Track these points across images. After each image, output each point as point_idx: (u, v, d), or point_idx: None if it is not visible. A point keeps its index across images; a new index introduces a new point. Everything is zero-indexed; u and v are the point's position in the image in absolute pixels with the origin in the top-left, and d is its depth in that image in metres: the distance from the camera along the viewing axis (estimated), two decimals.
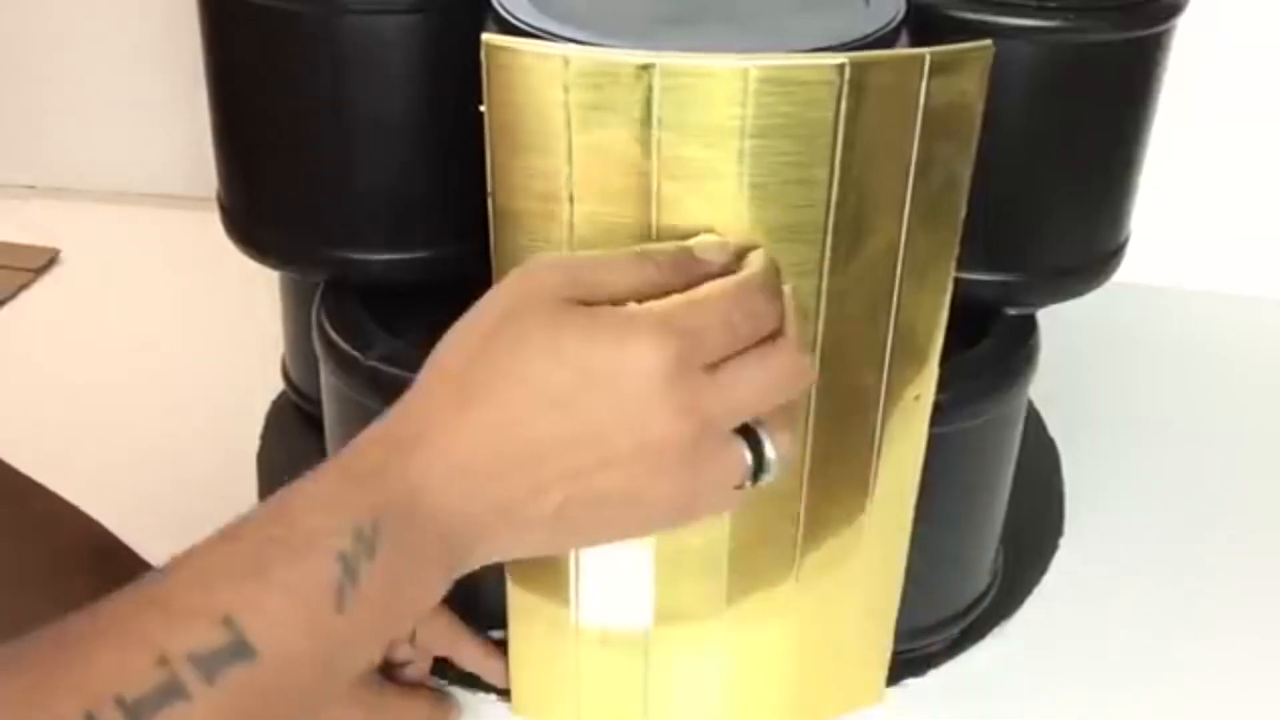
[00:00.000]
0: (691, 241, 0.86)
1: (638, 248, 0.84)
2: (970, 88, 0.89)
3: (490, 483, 0.78)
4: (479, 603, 1.14)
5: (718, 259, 0.84)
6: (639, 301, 0.79)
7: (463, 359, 0.80)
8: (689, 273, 0.82)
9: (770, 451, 0.82)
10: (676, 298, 0.79)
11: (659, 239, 0.88)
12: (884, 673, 1.20)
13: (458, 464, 0.77)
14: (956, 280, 0.98)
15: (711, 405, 0.78)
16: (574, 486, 0.78)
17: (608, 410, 0.77)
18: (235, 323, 1.65)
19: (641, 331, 0.77)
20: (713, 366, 0.79)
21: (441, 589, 0.80)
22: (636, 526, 0.84)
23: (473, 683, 1.19)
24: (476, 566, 0.81)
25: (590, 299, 0.79)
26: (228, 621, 0.68)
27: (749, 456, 0.82)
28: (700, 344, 0.78)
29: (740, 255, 0.86)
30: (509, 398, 0.77)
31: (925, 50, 0.87)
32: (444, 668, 1.19)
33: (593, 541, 0.89)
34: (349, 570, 0.72)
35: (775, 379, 0.81)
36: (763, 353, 0.81)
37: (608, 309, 0.78)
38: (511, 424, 0.77)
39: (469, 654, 1.17)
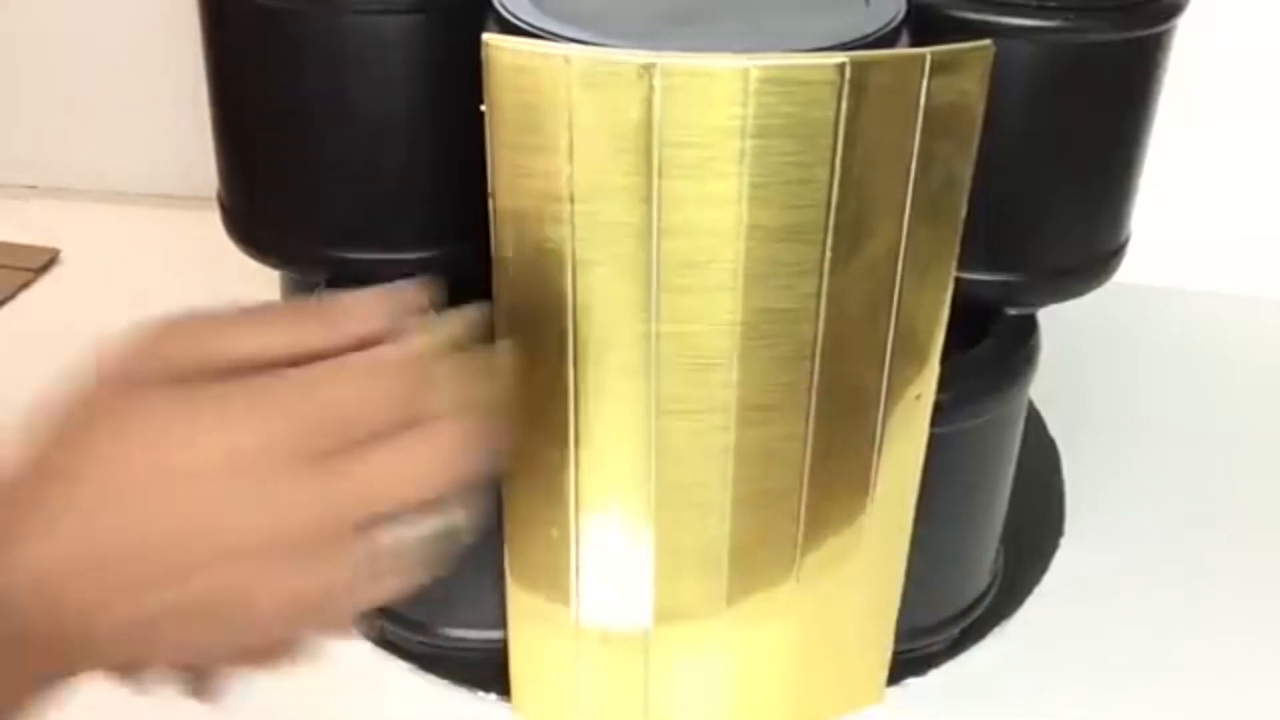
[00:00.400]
0: (345, 296, 0.75)
1: (265, 303, 0.75)
2: (971, 87, 0.89)
3: (63, 589, 0.66)
4: (480, 603, 1.14)
5: (370, 314, 0.73)
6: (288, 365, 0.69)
7: (37, 450, 0.68)
8: (339, 330, 0.72)
9: (403, 535, 0.72)
10: (292, 372, 0.69)
11: (660, 238, 0.88)
12: (884, 672, 1.20)
13: (34, 568, 0.65)
14: (957, 280, 0.99)
15: (321, 500, 0.68)
16: (145, 600, 0.66)
17: (182, 510, 0.66)
18: None
19: (229, 413, 0.67)
20: (332, 453, 0.68)
21: (32, 699, 0.69)
22: (238, 633, 0.71)
23: (473, 683, 1.19)
24: (79, 674, 0.70)
25: (206, 365, 0.68)
26: None
27: (384, 547, 0.71)
28: (311, 427, 0.67)
29: (423, 308, 0.76)
30: (74, 497, 0.66)
31: (926, 50, 0.87)
32: (438, 667, 1.20)
33: (196, 654, 0.74)
34: None
35: (414, 471, 0.70)
36: (404, 441, 0.70)
37: (203, 387, 0.67)
38: (77, 528, 0.66)
39: None
